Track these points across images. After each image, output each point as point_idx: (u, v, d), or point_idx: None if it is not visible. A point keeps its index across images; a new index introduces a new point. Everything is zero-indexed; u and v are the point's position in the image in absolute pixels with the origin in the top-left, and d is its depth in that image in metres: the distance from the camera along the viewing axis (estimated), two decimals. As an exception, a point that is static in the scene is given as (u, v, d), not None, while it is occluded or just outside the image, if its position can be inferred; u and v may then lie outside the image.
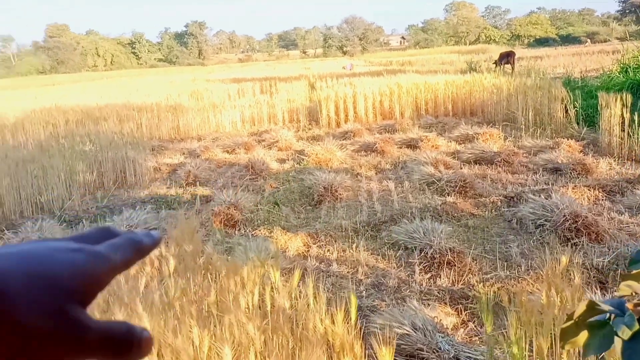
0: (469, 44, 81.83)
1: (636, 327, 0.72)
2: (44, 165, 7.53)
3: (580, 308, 0.79)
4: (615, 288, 3.89)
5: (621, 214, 5.45)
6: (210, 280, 2.82)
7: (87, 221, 6.56)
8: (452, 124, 11.33)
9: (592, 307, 0.79)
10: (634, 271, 0.84)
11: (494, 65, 20.34)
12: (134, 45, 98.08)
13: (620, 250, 4.44)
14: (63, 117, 13.23)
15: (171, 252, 2.72)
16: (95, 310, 2.17)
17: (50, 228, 5.85)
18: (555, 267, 2.17)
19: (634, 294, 0.84)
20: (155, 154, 10.54)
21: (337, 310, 2.13)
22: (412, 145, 9.55)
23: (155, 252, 3.03)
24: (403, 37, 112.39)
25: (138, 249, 0.44)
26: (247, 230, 5.75)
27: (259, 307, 2.51)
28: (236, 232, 5.76)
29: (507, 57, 20.54)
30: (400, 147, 9.56)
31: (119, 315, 2.12)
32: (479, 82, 12.99)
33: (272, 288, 2.47)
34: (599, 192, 6.19)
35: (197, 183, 8.00)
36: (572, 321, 0.81)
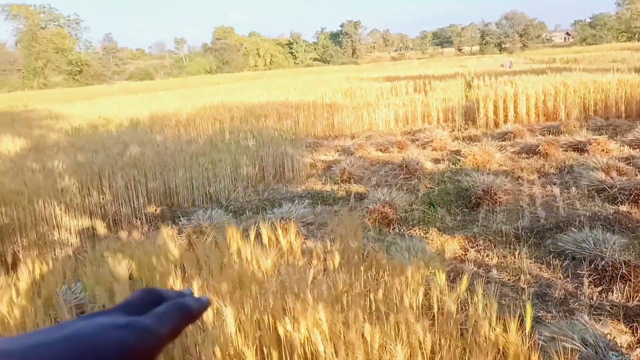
0: (645, 40, 74.42)
1: None
2: (213, 158, 8.13)
3: None
4: None
5: None
6: (370, 277, 2.85)
7: (250, 212, 6.96)
8: (625, 127, 10.37)
9: None
10: None
11: None
12: (291, 46, 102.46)
13: None
14: (228, 114, 14.15)
15: (336, 247, 2.78)
16: (270, 297, 2.29)
17: (219, 217, 6.29)
18: None
19: None
20: (311, 150, 10.89)
21: (510, 318, 2.05)
22: (579, 148, 8.89)
23: (320, 247, 3.13)
24: (568, 33, 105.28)
25: (187, 316, 0.43)
26: (402, 230, 5.73)
27: (423, 308, 2.49)
28: (390, 230, 5.77)
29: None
30: (566, 150, 8.94)
31: (290, 303, 2.21)
32: (658, 81, 11.76)
33: (437, 290, 2.43)
34: None
35: (352, 180, 8.13)
36: None
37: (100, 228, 5.97)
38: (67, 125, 14.19)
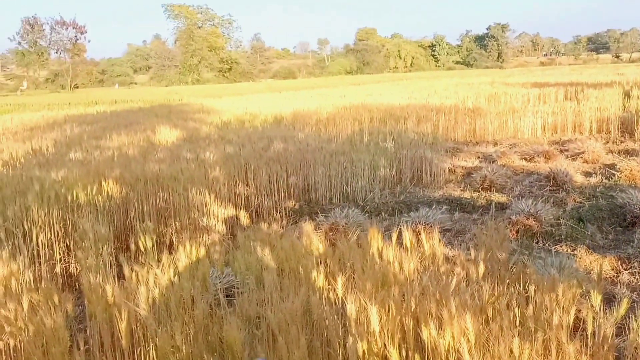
0: None
1: None
2: (352, 158, 8.25)
3: None
4: None
5: None
6: (515, 291, 2.74)
7: (386, 214, 6.98)
8: None
9: None
10: None
11: None
12: (433, 48, 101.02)
13: None
14: (368, 114, 14.26)
15: (482, 256, 2.71)
16: (413, 300, 2.28)
17: (355, 216, 6.37)
18: None
19: None
20: (450, 155, 10.67)
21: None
22: None
23: (463, 255, 3.06)
24: None
25: None
26: (547, 244, 5.44)
27: (573, 329, 2.35)
28: (534, 244, 5.49)
29: None
30: None
31: (434, 309, 2.19)
32: None
33: (591, 312, 2.28)
34: None
35: (493, 189, 7.85)
36: None
37: (244, 218, 6.30)
38: (217, 119, 15.13)
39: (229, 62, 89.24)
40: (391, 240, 2.94)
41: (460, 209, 7.05)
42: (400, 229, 2.96)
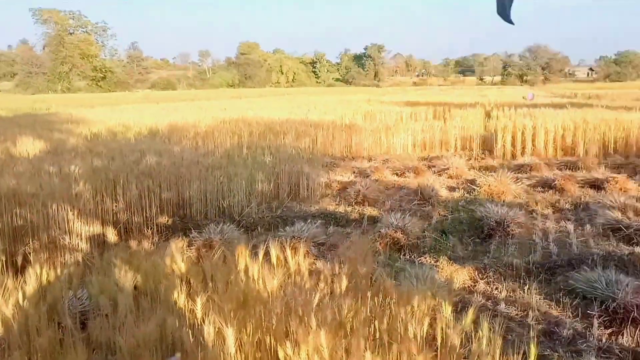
0: (672, 79, 73.91)
1: None
2: (228, 172, 8.16)
3: None
4: None
5: None
6: (377, 304, 2.83)
7: (262, 229, 6.97)
8: (645, 167, 10.27)
9: None
10: None
11: None
12: (314, 65, 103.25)
13: None
14: (248, 128, 14.25)
15: (344, 271, 2.78)
16: (274, 318, 2.29)
17: (230, 232, 6.30)
18: None
19: None
20: (327, 170, 10.90)
21: (513, 356, 2.02)
22: (596, 185, 8.81)
23: (329, 269, 3.13)
24: (591, 69, 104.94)
25: None
26: (413, 256, 5.70)
27: (426, 340, 2.47)
28: (401, 256, 5.74)
29: None
30: (582, 187, 8.86)
31: (294, 326, 2.21)
32: (682, 123, 11.67)
33: (443, 322, 2.41)
34: None
35: (366, 203, 8.12)
36: None
37: (111, 235, 6.02)
38: (87, 130, 14.38)
39: (103, 70, 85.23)
40: (262, 257, 2.94)
41: (334, 222, 7.21)
42: (267, 244, 2.96)
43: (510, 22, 1.07)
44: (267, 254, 2.95)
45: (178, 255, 2.95)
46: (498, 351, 2.14)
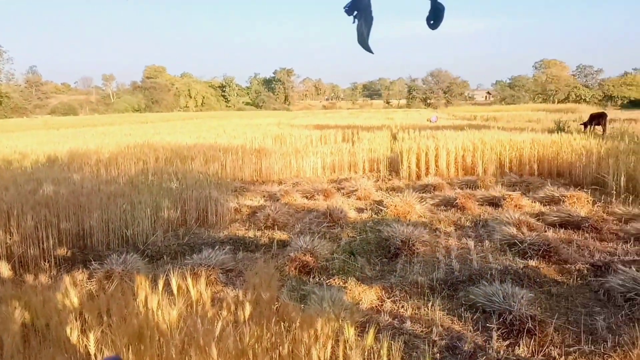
0: (558, 103, 79.73)
1: None
2: (132, 200, 7.88)
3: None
4: None
5: None
6: (283, 329, 2.81)
7: (168, 257, 6.77)
8: (537, 184, 10.96)
9: None
10: None
11: (582, 126, 19.61)
12: (224, 89, 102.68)
13: None
14: (153, 154, 13.88)
15: (248, 298, 2.74)
16: (173, 350, 2.22)
17: (134, 262, 6.07)
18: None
19: None
20: (236, 195, 10.80)
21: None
22: (494, 203, 9.29)
23: (232, 296, 3.08)
24: (489, 92, 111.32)
25: None
26: (322, 279, 5.73)
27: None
28: (310, 279, 5.75)
29: (598, 119, 19.78)
30: (482, 204, 9.32)
31: (194, 357, 2.15)
32: (567, 143, 12.59)
33: (345, 344, 2.43)
34: (700, 267, 5.73)
35: (276, 227, 8.10)
36: None
37: (5, 270, 5.63)
38: (-21, 158, 13.45)
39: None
40: (165, 287, 2.84)
41: (244, 248, 7.13)
42: (167, 274, 2.87)
43: (370, 50, 1.11)
44: (168, 283, 2.86)
45: (71, 289, 2.80)
46: (397, 370, 2.19)
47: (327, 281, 5.64)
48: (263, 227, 8.12)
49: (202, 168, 12.05)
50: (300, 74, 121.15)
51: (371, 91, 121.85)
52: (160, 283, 2.77)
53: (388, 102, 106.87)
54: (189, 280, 2.72)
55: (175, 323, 2.44)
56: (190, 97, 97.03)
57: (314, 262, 6.11)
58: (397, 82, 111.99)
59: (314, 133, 20.50)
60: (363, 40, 1.11)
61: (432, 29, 1.14)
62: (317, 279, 5.75)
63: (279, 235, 7.74)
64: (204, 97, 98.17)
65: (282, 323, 2.86)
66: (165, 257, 6.78)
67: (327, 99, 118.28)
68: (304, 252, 6.24)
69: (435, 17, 1.12)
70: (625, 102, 79.20)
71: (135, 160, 12.92)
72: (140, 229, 7.58)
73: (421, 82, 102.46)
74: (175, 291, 2.76)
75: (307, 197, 10.49)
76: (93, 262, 6.21)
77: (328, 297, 4.61)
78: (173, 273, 2.93)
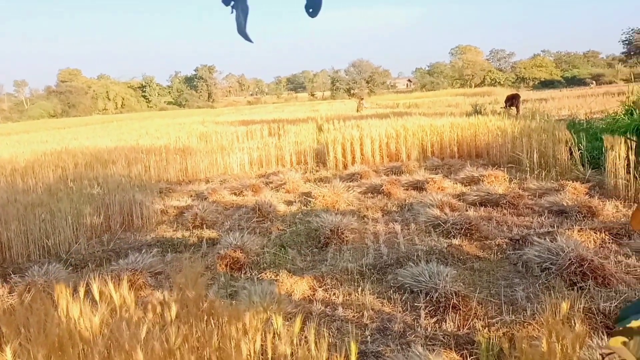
0: (475, 87, 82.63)
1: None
2: (52, 209, 7.57)
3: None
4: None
5: (628, 258, 5.40)
6: (212, 326, 2.80)
7: (93, 265, 6.56)
8: (457, 166, 11.36)
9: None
10: (622, 328, 0.84)
11: (504, 108, 20.48)
12: (144, 89, 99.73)
13: (627, 295, 4.38)
14: (72, 160, 13.35)
15: (174, 298, 2.71)
16: (97, 356, 2.17)
17: (57, 272, 5.85)
18: (555, 312, 2.15)
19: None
20: (162, 196, 10.59)
21: (337, 356, 2.11)
22: (418, 187, 9.56)
23: (158, 298, 3.03)
24: (409, 80, 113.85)
25: None
26: (253, 274, 5.73)
27: (261, 355, 2.49)
28: (242, 275, 5.73)
29: (512, 100, 20.72)
30: (407, 189, 9.57)
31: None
32: (483, 125, 13.09)
33: (274, 335, 2.45)
34: (605, 235, 6.14)
35: (204, 226, 8.01)
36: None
37: None
38: None
39: None
40: (87, 294, 2.76)
41: (172, 249, 7.01)
42: (88, 281, 2.79)
43: (249, 39, 1.13)
44: (91, 290, 2.78)
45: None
46: (325, 354, 2.23)
47: (259, 276, 5.64)
48: (191, 227, 8.00)
49: (124, 171, 11.71)
50: (223, 70, 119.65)
51: (295, 84, 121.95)
52: (82, 290, 2.69)
53: (313, 95, 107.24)
54: (110, 285, 2.66)
55: (98, 330, 2.38)
56: (109, 99, 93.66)
57: (244, 257, 6.09)
58: (321, 74, 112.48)
59: (240, 129, 20.36)
60: (242, 29, 1.12)
61: (312, 17, 1.17)
62: (249, 275, 5.74)
63: (208, 233, 7.65)
64: (123, 99, 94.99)
65: (210, 320, 2.85)
66: (90, 264, 6.56)
67: (251, 94, 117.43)
68: (234, 249, 6.21)
69: (313, 5, 1.15)
70: (537, 83, 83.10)
71: (53, 168, 12.37)
72: (62, 238, 7.29)
73: (344, 73, 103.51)
74: (97, 297, 2.69)
75: (235, 194, 10.42)
76: (13, 276, 5.94)
77: (259, 291, 4.62)
78: (95, 280, 2.85)
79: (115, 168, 12.04)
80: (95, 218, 8.18)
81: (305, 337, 2.46)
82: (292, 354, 2.31)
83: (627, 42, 71.90)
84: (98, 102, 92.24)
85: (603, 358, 0.82)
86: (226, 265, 5.95)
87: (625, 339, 0.85)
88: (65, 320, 2.52)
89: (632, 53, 73.57)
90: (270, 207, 8.60)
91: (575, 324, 2.23)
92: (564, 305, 2.22)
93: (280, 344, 2.21)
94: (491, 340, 2.94)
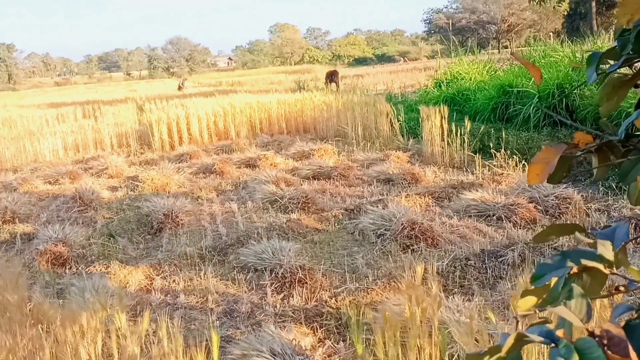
0: (294, 64, 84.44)
1: (575, 357, 0.67)
2: None
3: (509, 342, 0.72)
4: (455, 291, 4.12)
5: (450, 218, 5.84)
6: (42, 331, 2.44)
7: None
8: (287, 142, 11.47)
9: (520, 339, 0.73)
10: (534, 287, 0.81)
11: (325, 84, 21.13)
12: None
13: (455, 253, 4.72)
14: None
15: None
16: None
17: None
18: (413, 277, 2.19)
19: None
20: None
21: (197, 349, 1.93)
22: (250, 164, 9.48)
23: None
24: (230, 58, 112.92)
25: None
26: (80, 268, 5.22)
27: (105, 357, 2.22)
28: (67, 271, 5.20)
29: (331, 76, 21.48)
30: (239, 167, 9.44)
31: None
32: (309, 100, 13.36)
33: (118, 334, 2.19)
34: (429, 198, 6.59)
35: (17, 220, 7.14)
36: (499, 356, 0.74)
37: None
38: None
39: None
40: None
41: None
42: None
43: None
44: None
45: None
46: (181, 349, 2.03)
47: (87, 269, 5.15)
48: (1, 222, 7.09)
49: None
50: (24, 50, 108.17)
51: (109, 63, 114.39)
52: None
53: (129, 74, 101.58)
54: None
55: None
56: None
57: (68, 251, 5.52)
58: (136, 52, 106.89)
59: (49, 112, 18.56)
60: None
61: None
62: (75, 269, 5.22)
63: (22, 228, 6.85)
64: None
65: (39, 325, 2.48)
66: None
67: (59, 75, 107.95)
68: (55, 243, 5.60)
69: None
70: (351, 60, 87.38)
71: None
72: None
73: (161, 52, 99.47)
74: None
75: (50, 183, 9.46)
76: None
77: (90, 286, 4.20)
78: None
79: None
80: None
81: (154, 332, 2.24)
82: (142, 353, 2.08)
83: (427, 21, 77.95)
84: None
85: (518, 321, 0.79)
86: (47, 262, 5.34)
87: (536, 299, 0.82)
88: None
89: (432, 32, 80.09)
90: (92, 194, 7.94)
91: (432, 286, 2.29)
92: (419, 269, 2.27)
93: (128, 344, 1.97)
94: (356, 316, 2.95)
